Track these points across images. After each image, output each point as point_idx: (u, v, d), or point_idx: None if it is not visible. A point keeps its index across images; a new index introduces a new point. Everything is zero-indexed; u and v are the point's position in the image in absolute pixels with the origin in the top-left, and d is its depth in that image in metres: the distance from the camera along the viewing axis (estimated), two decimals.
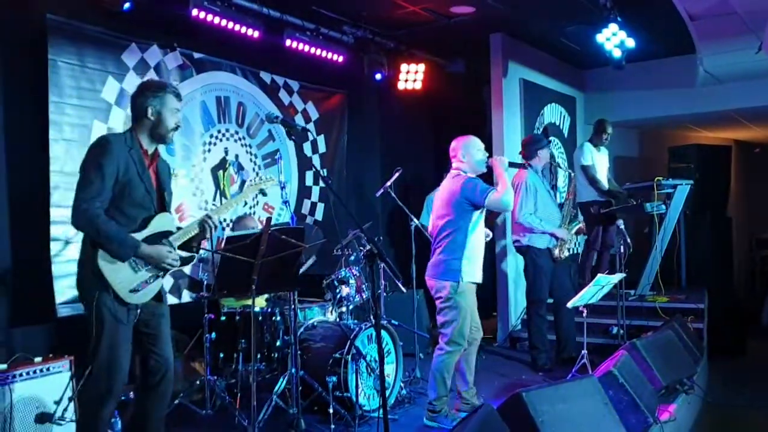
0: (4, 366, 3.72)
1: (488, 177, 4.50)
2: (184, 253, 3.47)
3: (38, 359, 3.88)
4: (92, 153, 3.25)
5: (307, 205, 6.67)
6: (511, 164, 4.68)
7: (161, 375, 3.42)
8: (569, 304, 4.99)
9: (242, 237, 2.54)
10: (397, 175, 5.74)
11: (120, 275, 3.19)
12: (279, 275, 2.75)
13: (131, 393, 3.72)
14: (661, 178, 6.80)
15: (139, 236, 3.25)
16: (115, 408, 3.40)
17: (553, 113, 8.21)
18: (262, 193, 3.55)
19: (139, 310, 3.31)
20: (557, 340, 6.01)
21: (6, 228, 4.32)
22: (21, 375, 3.73)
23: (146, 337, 3.41)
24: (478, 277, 4.46)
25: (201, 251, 3.59)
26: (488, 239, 4.71)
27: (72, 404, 3.91)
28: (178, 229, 3.45)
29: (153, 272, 3.32)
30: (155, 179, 3.42)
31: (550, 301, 5.96)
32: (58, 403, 3.84)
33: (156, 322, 3.44)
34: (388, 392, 4.70)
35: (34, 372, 3.79)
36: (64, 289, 4.39)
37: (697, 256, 8.14)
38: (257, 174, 6.10)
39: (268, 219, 2.86)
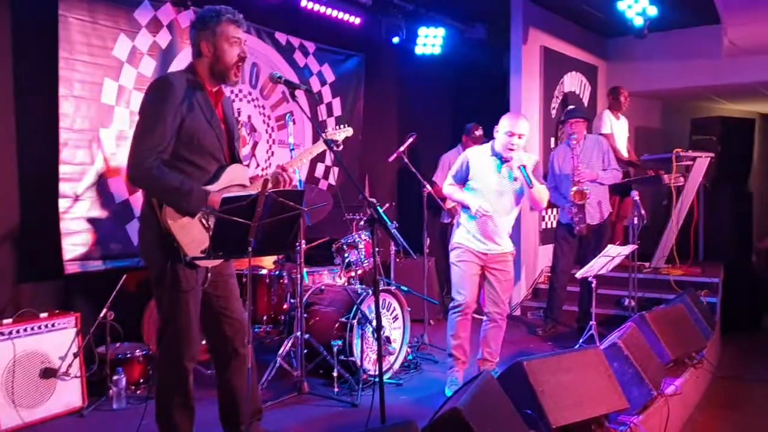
0: (9, 320, 3.76)
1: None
2: None
3: (44, 315, 3.92)
4: (151, 97, 2.84)
5: (320, 169, 6.62)
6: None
7: (239, 339, 3.12)
8: (577, 275, 4.94)
9: (239, 198, 2.48)
10: (410, 140, 5.66)
11: (191, 234, 2.83)
12: (277, 238, 2.70)
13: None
14: (680, 150, 6.67)
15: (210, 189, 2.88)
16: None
17: (573, 82, 8.05)
18: (335, 144, 3.35)
19: (209, 273, 3.00)
20: (579, 310, 6.05)
21: (15, 184, 4.31)
22: (26, 330, 3.78)
23: (216, 299, 3.10)
24: (472, 245, 4.30)
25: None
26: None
27: (77, 360, 3.96)
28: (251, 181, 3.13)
29: None
30: (223, 124, 3.01)
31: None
32: (63, 358, 3.89)
33: (224, 282, 3.13)
34: (394, 357, 4.70)
35: (39, 327, 3.85)
36: (72, 246, 4.41)
37: (716, 231, 7.96)
38: (270, 136, 6.05)
39: (265, 180, 2.80)
